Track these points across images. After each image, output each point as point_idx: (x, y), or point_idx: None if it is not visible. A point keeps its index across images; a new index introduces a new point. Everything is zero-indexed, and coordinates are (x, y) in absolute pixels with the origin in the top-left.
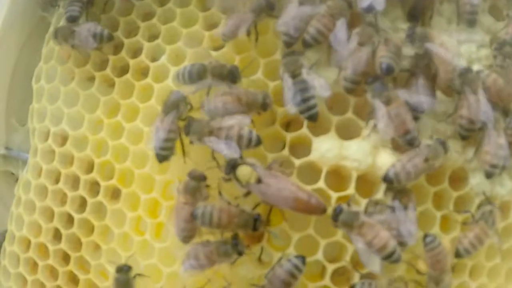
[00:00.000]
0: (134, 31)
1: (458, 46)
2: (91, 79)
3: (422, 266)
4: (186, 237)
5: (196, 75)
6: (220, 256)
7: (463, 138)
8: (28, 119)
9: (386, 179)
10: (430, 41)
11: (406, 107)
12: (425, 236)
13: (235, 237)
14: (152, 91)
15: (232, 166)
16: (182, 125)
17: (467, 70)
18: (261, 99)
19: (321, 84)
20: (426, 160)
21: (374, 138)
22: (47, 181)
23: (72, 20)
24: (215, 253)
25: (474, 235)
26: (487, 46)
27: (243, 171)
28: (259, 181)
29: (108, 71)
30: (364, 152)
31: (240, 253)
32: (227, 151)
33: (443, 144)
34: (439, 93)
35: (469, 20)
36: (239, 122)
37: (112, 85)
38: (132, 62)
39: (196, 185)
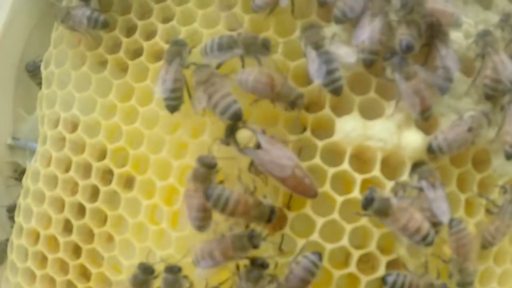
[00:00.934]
0: (148, 14)
1: (475, 26)
2: (103, 63)
3: (447, 251)
4: (201, 227)
5: (226, 45)
6: (236, 251)
7: (488, 98)
8: (37, 106)
9: (429, 150)
10: (426, 2)
11: (424, 81)
12: (450, 219)
13: (252, 229)
14: None
15: (232, 129)
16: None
17: (486, 32)
18: (293, 96)
19: (346, 51)
20: (470, 129)
21: (398, 117)
22: (57, 169)
23: None
24: (231, 248)
25: (495, 228)
26: None
27: (243, 134)
28: (258, 146)
29: (121, 54)
30: (389, 131)
31: (255, 246)
32: (195, 103)
33: (487, 114)
34: (458, 73)
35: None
36: (228, 92)
37: (124, 69)
38: (146, 45)
39: (205, 171)
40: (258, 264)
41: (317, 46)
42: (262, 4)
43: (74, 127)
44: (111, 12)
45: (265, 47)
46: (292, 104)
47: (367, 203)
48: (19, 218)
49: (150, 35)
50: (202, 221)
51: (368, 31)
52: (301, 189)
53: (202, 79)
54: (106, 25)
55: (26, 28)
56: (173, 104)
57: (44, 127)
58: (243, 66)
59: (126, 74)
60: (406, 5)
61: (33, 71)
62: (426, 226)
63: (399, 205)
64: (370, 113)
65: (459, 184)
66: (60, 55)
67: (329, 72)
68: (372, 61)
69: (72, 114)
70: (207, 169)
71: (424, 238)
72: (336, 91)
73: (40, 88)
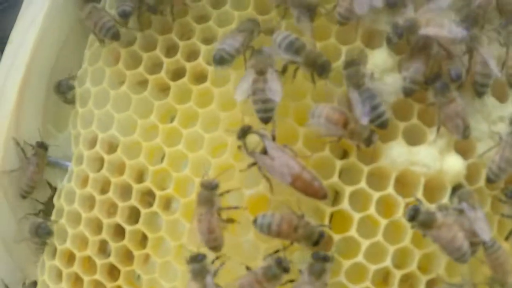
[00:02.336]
0: (187, 34)
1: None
2: (141, 82)
3: (486, 271)
4: (215, 247)
5: (295, 48)
6: (270, 281)
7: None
8: (70, 124)
9: (489, 181)
10: (419, 27)
11: (462, 104)
12: (484, 243)
13: (277, 256)
14: (212, 96)
15: (243, 132)
16: None
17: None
18: (367, 133)
19: (385, 89)
20: None
21: (440, 143)
22: (94, 190)
23: (124, 15)
24: (264, 280)
25: None
26: None
27: (251, 138)
28: (264, 152)
29: (163, 74)
30: (432, 157)
31: (286, 270)
32: (237, 88)
33: None
34: (492, 99)
35: None
36: (271, 95)
37: (163, 89)
38: (188, 66)
39: (208, 194)
40: (321, 258)
41: (358, 86)
42: (345, 14)
43: (111, 147)
44: (150, 31)
45: (322, 68)
46: (368, 142)
47: (414, 214)
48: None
49: (190, 55)
50: (214, 242)
51: (418, 63)
52: (311, 192)
53: (258, 67)
54: (116, 38)
55: (57, 44)
56: (225, 58)
57: (79, 147)
58: (294, 77)
59: (165, 94)
60: (401, 34)
61: (63, 92)
62: (466, 245)
63: (444, 221)
64: (411, 138)
65: (492, 205)
66: (97, 73)
67: (373, 108)
68: (412, 91)
69: (110, 135)
70: (209, 191)
71: (463, 256)
72: (382, 125)
73: (68, 104)
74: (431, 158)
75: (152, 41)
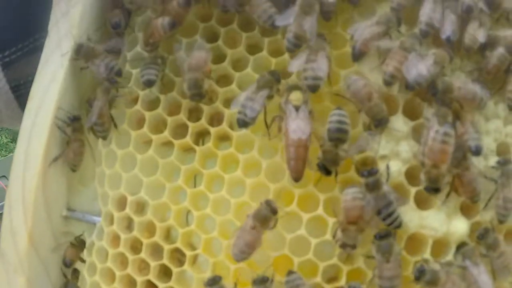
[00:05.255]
0: (209, 94)
1: None
2: (166, 143)
3: None
4: (241, 259)
5: (335, 136)
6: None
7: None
8: (96, 183)
9: (500, 222)
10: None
11: (475, 172)
12: None
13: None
14: (237, 161)
15: (294, 87)
16: None
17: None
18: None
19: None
20: None
21: (448, 207)
22: (127, 250)
23: (150, 84)
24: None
25: None
26: None
27: (296, 94)
28: (296, 108)
29: (188, 139)
30: (440, 221)
31: (267, 279)
32: (292, 62)
33: None
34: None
35: None
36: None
37: (187, 149)
38: (213, 131)
39: (268, 215)
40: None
41: (374, 190)
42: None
43: (139, 205)
44: (173, 93)
45: (330, 163)
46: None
47: (420, 274)
48: None
49: (213, 117)
50: (244, 255)
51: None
52: (293, 165)
53: (313, 48)
54: (120, 75)
55: (77, 101)
56: (247, 122)
57: (108, 207)
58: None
59: (188, 153)
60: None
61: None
62: None
63: (447, 278)
64: (421, 201)
65: None
66: (122, 136)
67: (389, 215)
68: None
69: (139, 197)
70: (270, 213)
71: None
72: (397, 228)
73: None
74: (439, 222)
75: (175, 103)
